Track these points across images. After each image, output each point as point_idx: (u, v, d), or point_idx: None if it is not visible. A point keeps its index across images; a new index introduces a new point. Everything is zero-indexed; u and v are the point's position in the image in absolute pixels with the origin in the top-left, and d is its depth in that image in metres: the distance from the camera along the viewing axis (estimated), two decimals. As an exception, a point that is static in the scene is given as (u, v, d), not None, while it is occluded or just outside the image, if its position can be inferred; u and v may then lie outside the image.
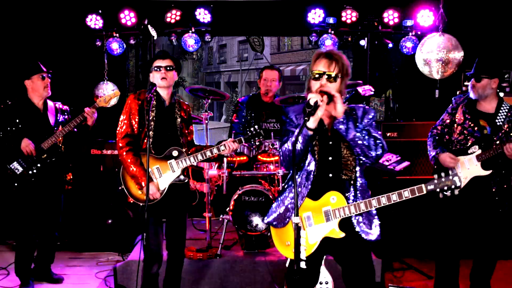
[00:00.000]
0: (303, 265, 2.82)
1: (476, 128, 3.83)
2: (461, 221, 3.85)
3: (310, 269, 2.79)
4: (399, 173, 4.73)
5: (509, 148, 3.58)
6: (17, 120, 4.33)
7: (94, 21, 5.83)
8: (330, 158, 2.81)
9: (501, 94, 5.32)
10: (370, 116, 2.84)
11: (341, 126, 2.72)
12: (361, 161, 2.81)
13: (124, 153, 3.62)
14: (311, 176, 2.80)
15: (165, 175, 3.65)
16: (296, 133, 2.65)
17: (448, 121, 4.02)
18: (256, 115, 5.29)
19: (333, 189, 2.79)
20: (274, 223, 2.91)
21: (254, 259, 4.42)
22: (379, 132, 2.84)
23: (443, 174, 2.65)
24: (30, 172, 4.31)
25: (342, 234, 2.77)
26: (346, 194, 2.80)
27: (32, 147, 4.27)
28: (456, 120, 3.95)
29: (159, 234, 3.69)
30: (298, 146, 2.72)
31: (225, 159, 4.61)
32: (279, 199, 2.94)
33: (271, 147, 4.62)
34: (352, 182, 2.82)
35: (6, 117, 4.34)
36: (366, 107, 2.91)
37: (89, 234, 5.52)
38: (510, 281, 4.74)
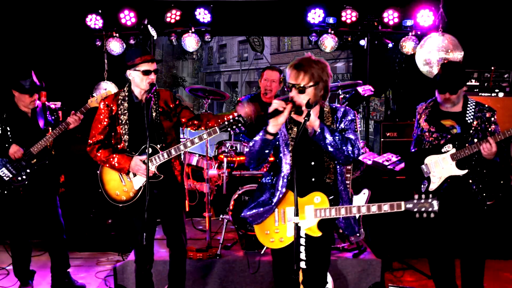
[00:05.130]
0: (303, 265, 2.85)
1: (443, 131, 3.73)
2: (445, 222, 3.74)
3: (288, 258, 2.82)
4: (398, 173, 4.72)
5: (486, 148, 3.45)
6: (5, 125, 4.22)
7: (94, 21, 5.83)
8: (312, 163, 2.92)
9: (501, 94, 5.34)
10: (349, 118, 2.92)
11: (318, 134, 2.79)
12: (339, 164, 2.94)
13: (96, 151, 3.55)
14: (285, 180, 2.89)
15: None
16: (258, 136, 2.84)
17: (417, 131, 3.93)
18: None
19: (319, 190, 2.88)
20: (250, 219, 3.04)
21: (254, 259, 4.43)
22: (356, 135, 2.97)
23: (423, 196, 2.75)
24: (20, 178, 4.21)
25: (319, 234, 2.86)
26: (330, 198, 2.89)
27: (20, 154, 4.16)
28: (424, 128, 3.83)
29: (150, 233, 3.56)
30: (256, 147, 2.86)
31: (225, 159, 4.61)
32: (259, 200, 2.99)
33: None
34: (334, 185, 2.94)
35: None
36: (347, 108, 2.97)
37: (89, 234, 5.52)
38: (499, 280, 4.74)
